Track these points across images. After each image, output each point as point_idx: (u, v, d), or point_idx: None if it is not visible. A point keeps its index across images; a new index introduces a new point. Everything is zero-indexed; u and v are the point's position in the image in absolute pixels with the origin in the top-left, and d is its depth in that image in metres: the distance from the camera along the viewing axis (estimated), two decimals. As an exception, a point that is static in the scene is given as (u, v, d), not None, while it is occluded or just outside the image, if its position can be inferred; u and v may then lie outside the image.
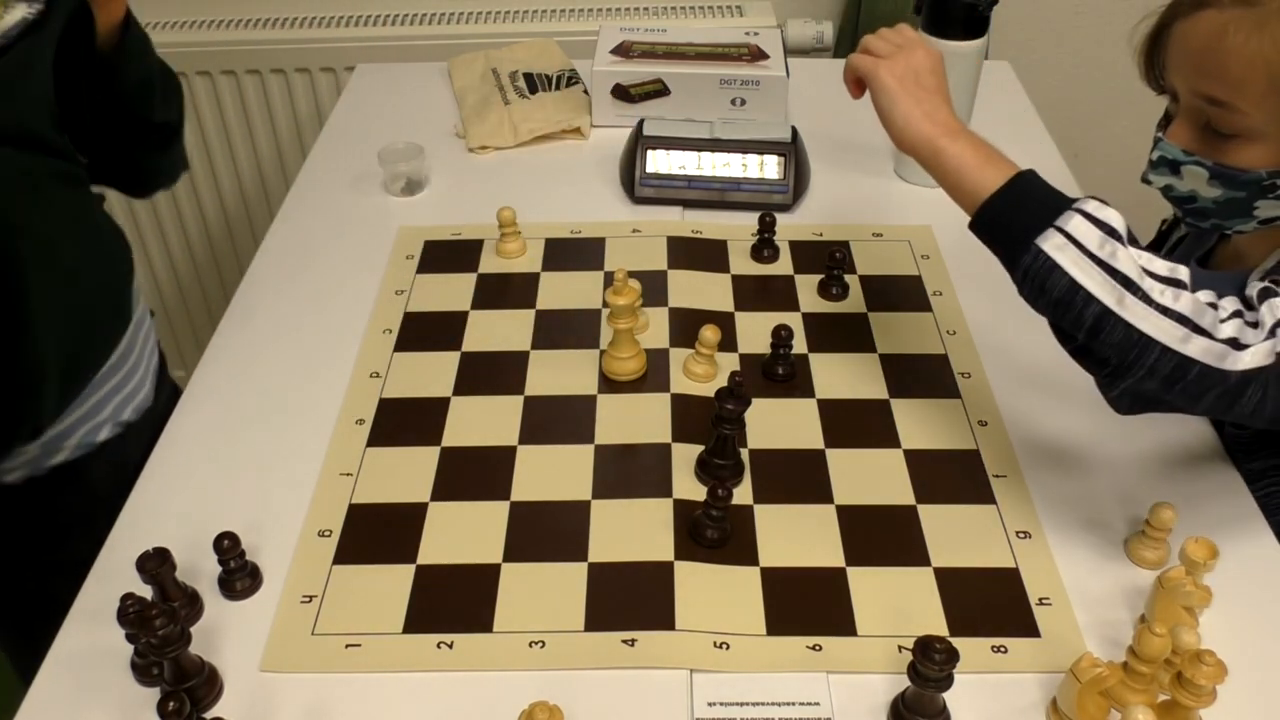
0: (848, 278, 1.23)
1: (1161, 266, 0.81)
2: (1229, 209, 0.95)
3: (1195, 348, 0.78)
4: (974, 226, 0.87)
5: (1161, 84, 0.98)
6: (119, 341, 1.11)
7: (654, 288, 1.20)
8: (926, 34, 1.31)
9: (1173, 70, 0.95)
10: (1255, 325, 0.82)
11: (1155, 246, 1.20)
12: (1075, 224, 0.81)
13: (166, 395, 1.19)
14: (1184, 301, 0.79)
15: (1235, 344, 0.79)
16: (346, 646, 0.86)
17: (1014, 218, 0.83)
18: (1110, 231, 0.81)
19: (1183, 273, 0.81)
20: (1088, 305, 0.79)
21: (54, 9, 0.98)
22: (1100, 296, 0.79)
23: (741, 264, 1.27)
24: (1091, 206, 0.82)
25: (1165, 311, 0.78)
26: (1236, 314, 0.81)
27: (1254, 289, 0.85)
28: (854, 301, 1.21)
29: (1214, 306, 0.81)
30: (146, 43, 1.12)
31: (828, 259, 1.21)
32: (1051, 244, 0.80)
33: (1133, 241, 0.82)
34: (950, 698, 0.78)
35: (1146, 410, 0.85)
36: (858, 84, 0.98)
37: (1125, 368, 0.80)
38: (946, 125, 0.91)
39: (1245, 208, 0.94)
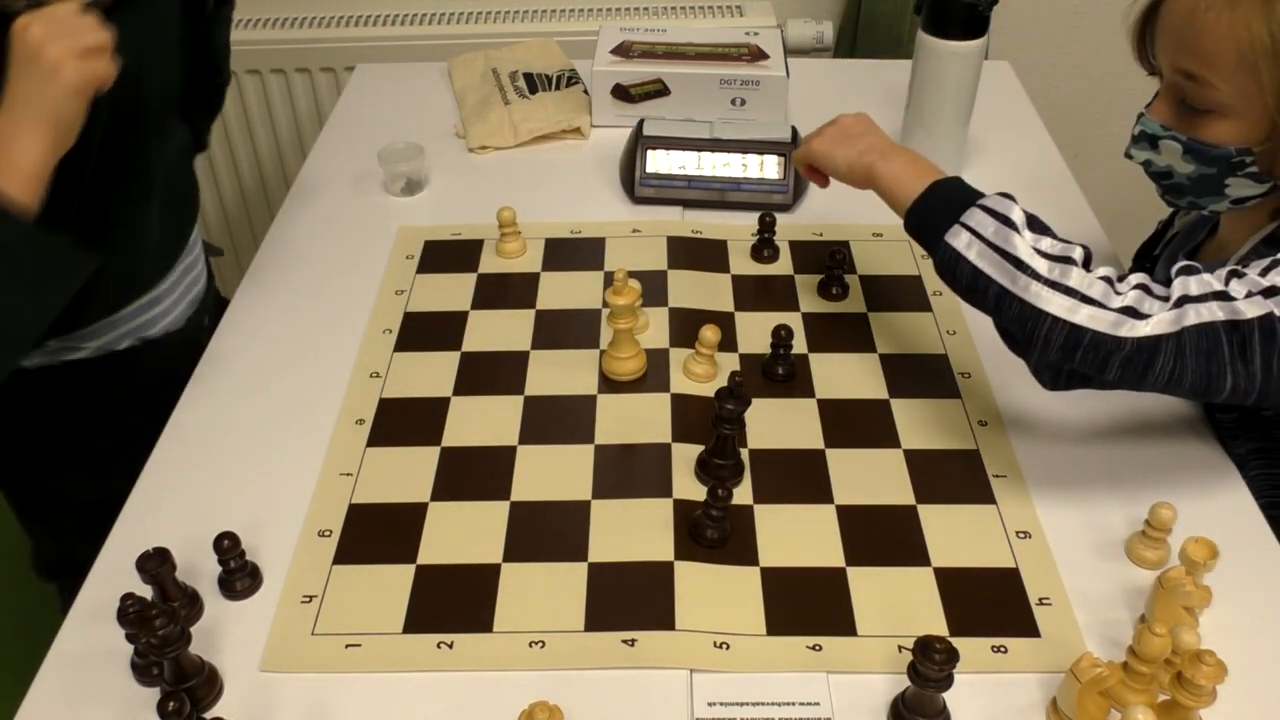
0: (848, 278, 1.23)
1: (1053, 247, 0.89)
2: (1202, 185, 0.99)
3: (1083, 316, 0.85)
4: (907, 229, 0.98)
5: (1152, 63, 1.02)
6: (168, 272, 1.18)
7: (654, 288, 1.20)
8: (926, 34, 1.31)
9: (1158, 47, 0.99)
10: (1166, 300, 0.86)
11: (1152, 243, 1.21)
12: (976, 218, 0.90)
13: (202, 325, 1.24)
14: (1073, 276, 0.87)
15: (1132, 313, 0.85)
16: (346, 646, 0.86)
17: (930, 218, 0.94)
18: (1006, 221, 0.90)
19: (1077, 252, 0.89)
20: (989, 287, 0.89)
21: None
22: (997, 278, 0.88)
23: (741, 264, 1.27)
24: (991, 201, 0.91)
25: (1054, 285, 0.86)
26: (1140, 287, 0.87)
27: (1177, 268, 0.89)
28: (854, 301, 1.21)
29: (1110, 281, 0.87)
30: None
31: (828, 258, 1.21)
32: (956, 238, 0.91)
33: (1039, 228, 0.90)
34: (950, 698, 0.78)
35: (1071, 386, 0.92)
36: (811, 171, 1.12)
37: (1028, 340, 0.88)
38: (880, 150, 1.02)
39: (1217, 185, 0.98)
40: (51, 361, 1.11)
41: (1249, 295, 0.85)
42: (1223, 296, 0.85)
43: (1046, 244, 0.89)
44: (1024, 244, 0.88)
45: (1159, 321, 0.84)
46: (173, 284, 1.19)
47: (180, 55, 1.15)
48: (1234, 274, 0.87)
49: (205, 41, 1.21)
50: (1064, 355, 0.86)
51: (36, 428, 1.17)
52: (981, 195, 0.93)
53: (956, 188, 0.95)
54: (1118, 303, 0.86)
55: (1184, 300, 0.85)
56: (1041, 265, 0.87)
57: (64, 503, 1.18)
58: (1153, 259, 1.19)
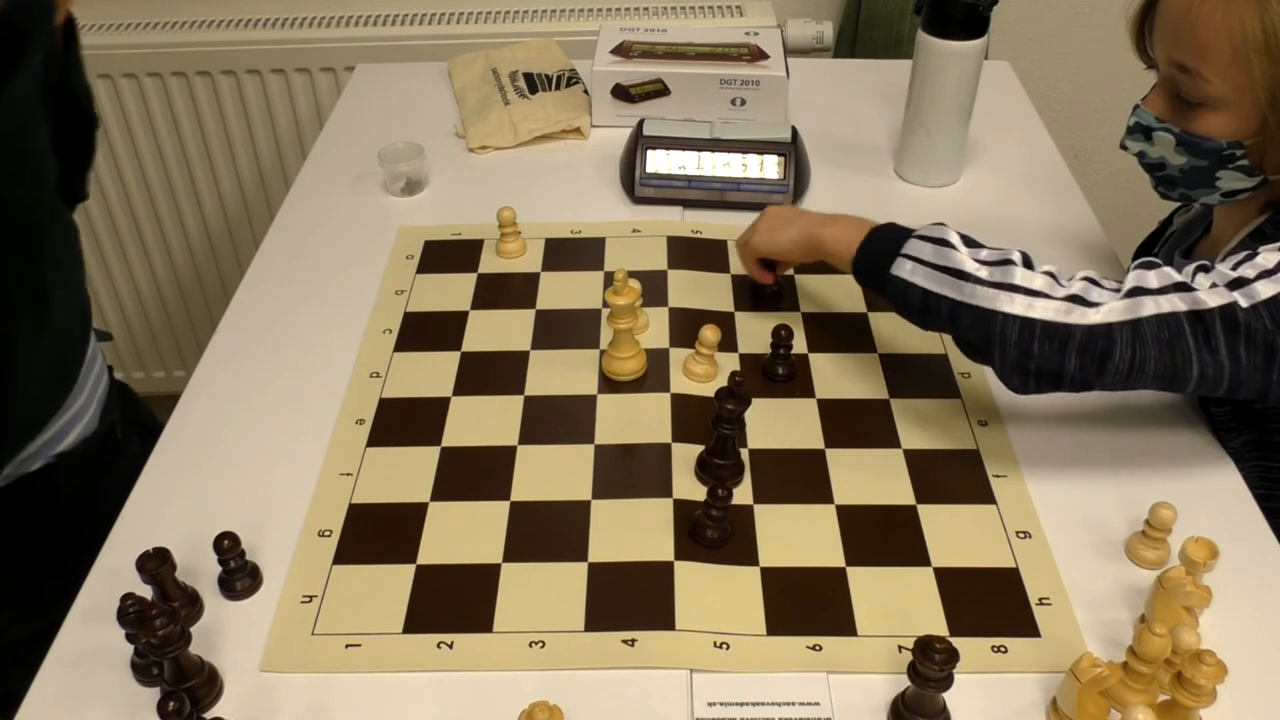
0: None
1: (991, 255, 0.93)
2: (1193, 178, 1.00)
3: (1032, 308, 0.89)
4: (857, 279, 1.03)
5: (1150, 56, 1.03)
6: (70, 389, 1.08)
7: (654, 288, 1.20)
8: (926, 34, 1.31)
9: (1155, 40, 1.00)
10: (1117, 291, 0.89)
11: (1151, 241, 1.22)
12: (915, 247, 0.96)
13: (114, 420, 1.15)
14: (1017, 275, 0.90)
15: (1079, 300, 0.88)
16: (346, 646, 0.86)
17: (874, 260, 1.00)
18: (942, 242, 0.95)
19: (1015, 255, 0.92)
20: (940, 304, 0.93)
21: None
22: (946, 293, 0.93)
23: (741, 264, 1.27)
24: (926, 230, 0.97)
25: (998, 286, 0.90)
26: (1086, 279, 0.90)
27: (1136, 263, 0.92)
28: (854, 301, 1.21)
29: (1054, 276, 0.91)
30: None
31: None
32: (900, 268, 0.96)
33: (974, 244, 0.95)
34: (950, 698, 0.78)
35: (1041, 388, 0.92)
36: (759, 268, 1.17)
37: (985, 343, 0.91)
38: (819, 220, 1.09)
39: (1208, 177, 0.99)
40: None
41: (1213, 286, 0.86)
42: (1183, 288, 0.87)
43: (984, 254, 0.93)
44: (963, 257, 0.93)
45: (1110, 310, 0.87)
46: (79, 389, 1.09)
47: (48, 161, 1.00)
48: (1201, 268, 0.89)
49: (63, 88, 1.06)
50: (1021, 353, 0.89)
51: None
52: (912, 230, 0.98)
53: (893, 229, 1.01)
54: (1062, 292, 0.89)
55: (1139, 291, 0.88)
56: (983, 272, 0.92)
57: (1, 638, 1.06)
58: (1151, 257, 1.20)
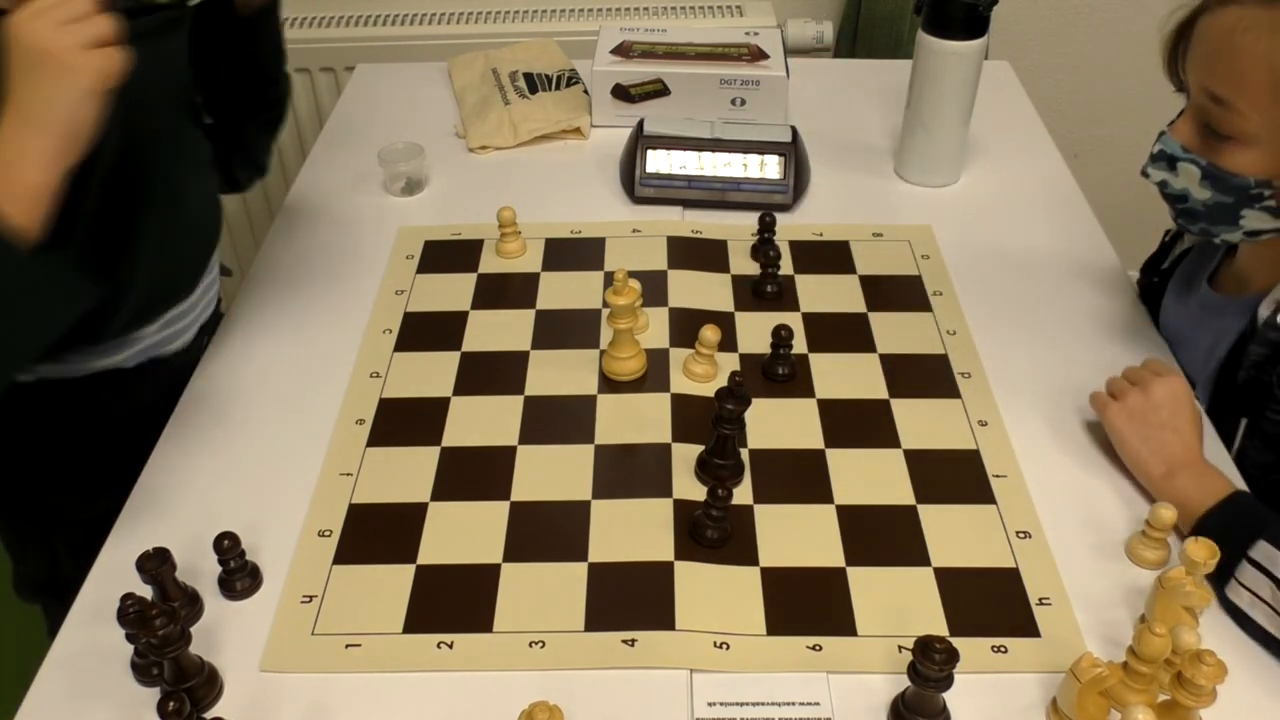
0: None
1: None
2: (1217, 213, 0.96)
3: None
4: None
5: (1181, 80, 0.98)
6: (195, 287, 1.15)
7: (654, 288, 1.20)
8: (926, 34, 1.31)
9: (1189, 65, 0.95)
10: None
11: (1158, 259, 1.20)
12: (1249, 577, 0.84)
13: (203, 347, 1.20)
14: None
15: None
16: (346, 646, 0.86)
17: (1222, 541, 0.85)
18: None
19: None
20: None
21: None
22: None
23: (741, 264, 1.27)
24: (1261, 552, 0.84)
25: None
26: None
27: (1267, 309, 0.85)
28: (854, 301, 1.21)
29: None
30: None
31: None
32: (1239, 596, 0.85)
33: None
34: (950, 698, 0.78)
35: None
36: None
37: None
38: (1170, 462, 0.94)
39: (1232, 214, 0.95)
40: (57, 376, 1.07)
41: None
42: None
43: None
44: None
45: None
46: (192, 303, 1.16)
47: (188, 63, 1.10)
48: None
49: (248, 50, 1.17)
50: None
51: (33, 444, 1.13)
52: (1262, 529, 0.85)
53: (1235, 526, 0.87)
54: None
55: None
56: None
57: (57, 520, 1.14)
58: (1160, 273, 1.18)
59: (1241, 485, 0.95)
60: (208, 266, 1.18)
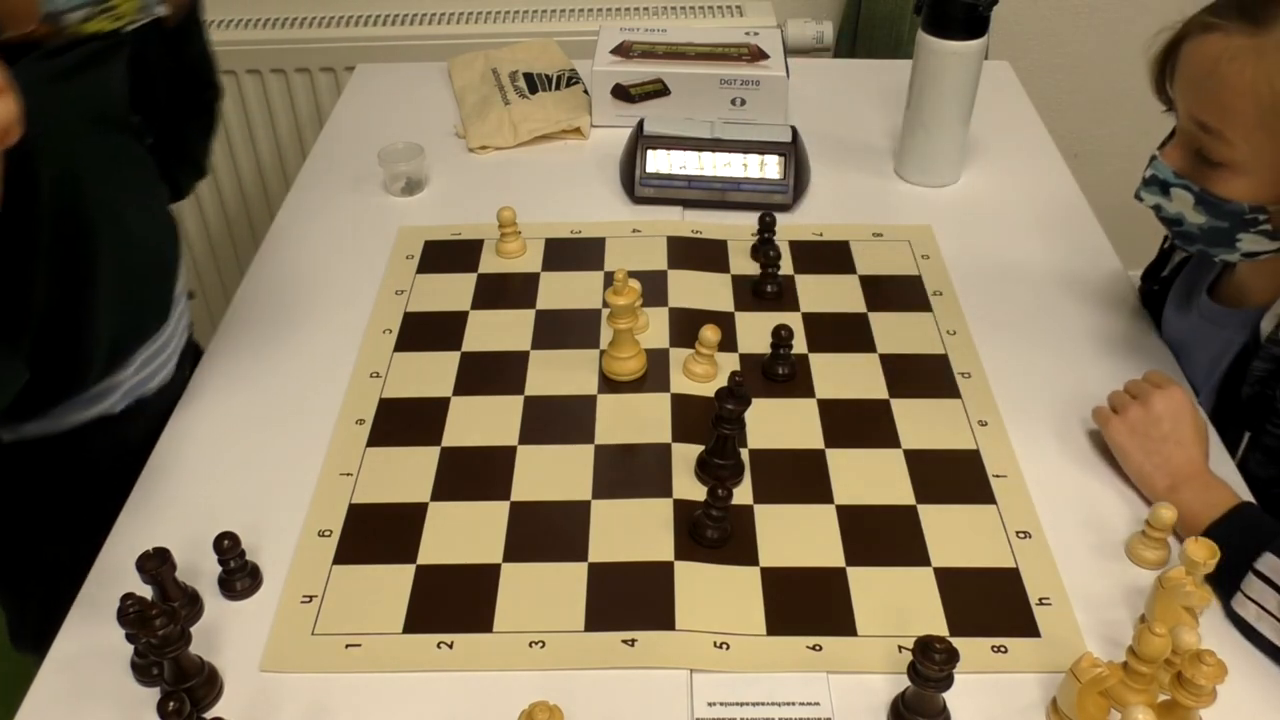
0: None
1: None
2: (1213, 236, 0.95)
3: None
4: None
5: (1171, 99, 0.97)
6: (166, 319, 1.13)
7: (654, 288, 1.20)
8: (926, 34, 1.31)
9: (1176, 89, 0.94)
10: None
11: (1158, 266, 1.20)
12: (1256, 589, 0.84)
13: (186, 376, 1.18)
14: None
15: None
16: (346, 646, 0.86)
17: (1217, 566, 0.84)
18: None
19: None
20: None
21: None
22: None
23: (741, 264, 1.27)
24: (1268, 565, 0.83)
25: None
26: None
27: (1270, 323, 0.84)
28: (854, 301, 1.21)
29: None
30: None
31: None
32: (1245, 609, 0.84)
33: None
34: (950, 698, 0.78)
35: None
36: None
37: None
38: (1173, 475, 0.94)
39: (1228, 238, 0.94)
40: (45, 432, 1.05)
41: None
42: None
43: None
44: None
45: None
46: (167, 337, 1.13)
47: (125, 85, 1.05)
48: None
49: (181, 58, 1.14)
50: None
51: (26, 500, 1.10)
52: (1267, 541, 0.84)
53: (1240, 538, 0.86)
54: None
55: None
56: None
57: (55, 571, 1.05)
58: (1161, 280, 1.18)
59: (1248, 496, 0.95)
60: (174, 297, 1.15)
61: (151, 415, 1.11)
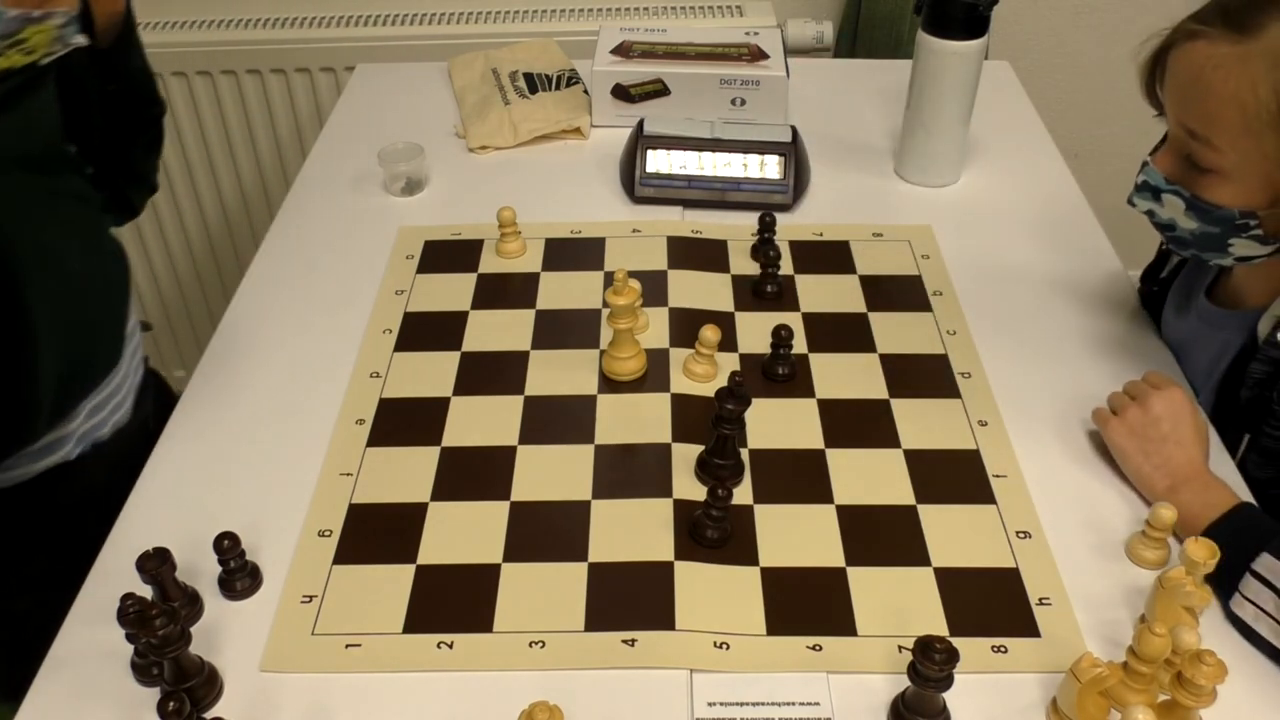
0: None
1: None
2: (1205, 241, 0.96)
3: None
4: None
5: (1161, 103, 0.97)
6: (116, 362, 1.07)
7: (654, 288, 1.20)
8: (926, 34, 1.31)
9: (1165, 96, 0.95)
10: None
11: (1156, 268, 1.20)
12: (1253, 588, 0.84)
13: (147, 413, 1.15)
14: None
15: None
16: (346, 646, 0.86)
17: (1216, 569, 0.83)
18: None
19: None
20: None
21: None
22: None
23: (741, 264, 1.27)
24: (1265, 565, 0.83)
25: None
26: None
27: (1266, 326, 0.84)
28: (854, 301, 1.21)
29: None
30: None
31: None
32: (1243, 610, 0.84)
33: None
34: (950, 698, 0.78)
35: None
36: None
37: None
38: (1173, 476, 0.94)
39: (1220, 243, 0.95)
40: (3, 483, 1.00)
41: None
42: None
43: None
44: None
45: None
46: (122, 378, 1.09)
47: (57, 116, 1.00)
48: None
49: (119, 79, 1.08)
50: None
51: None
52: (1265, 541, 0.84)
53: (1239, 538, 0.86)
54: None
55: None
56: None
57: (24, 625, 1.01)
58: (1160, 281, 1.18)
59: (1248, 497, 0.95)
60: (125, 336, 1.08)
61: (110, 456, 1.08)
